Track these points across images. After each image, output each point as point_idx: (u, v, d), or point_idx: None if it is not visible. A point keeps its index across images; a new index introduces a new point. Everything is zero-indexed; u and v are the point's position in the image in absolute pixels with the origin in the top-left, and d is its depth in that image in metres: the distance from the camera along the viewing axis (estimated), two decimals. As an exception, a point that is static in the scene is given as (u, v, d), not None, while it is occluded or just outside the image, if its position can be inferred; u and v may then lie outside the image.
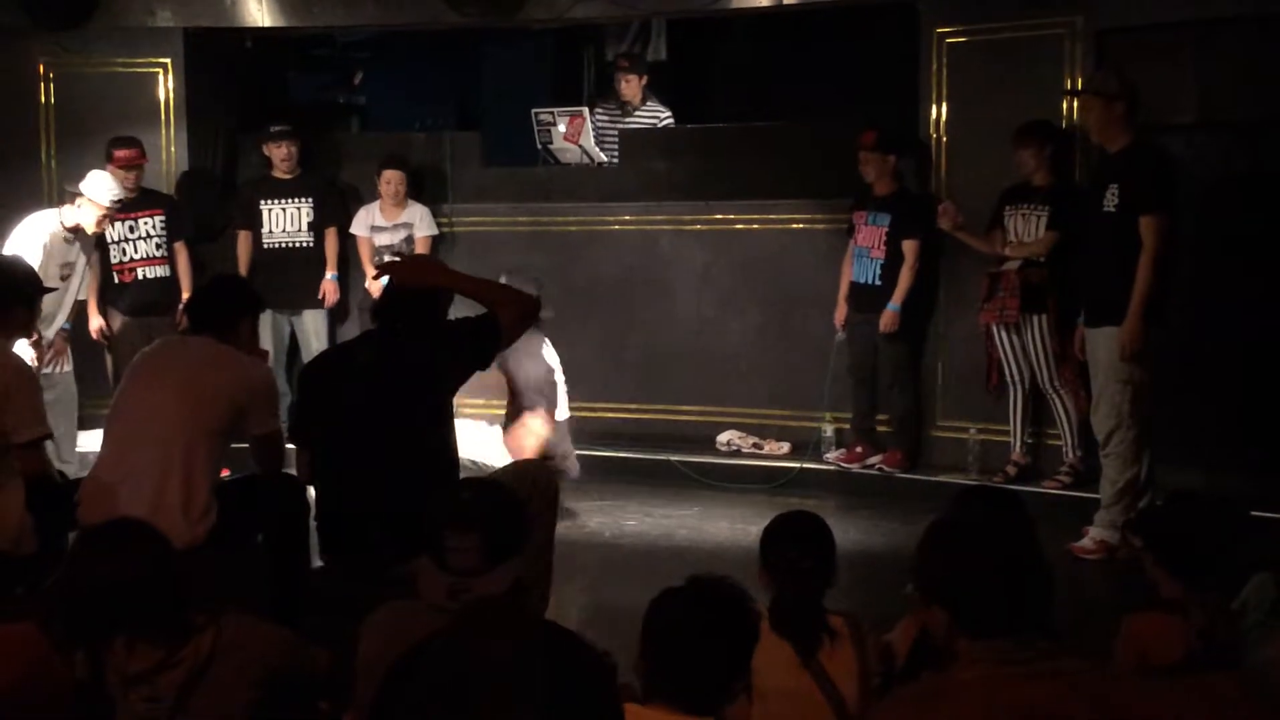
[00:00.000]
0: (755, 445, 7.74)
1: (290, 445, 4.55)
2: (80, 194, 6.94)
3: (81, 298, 7.29)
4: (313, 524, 4.43)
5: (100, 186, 6.96)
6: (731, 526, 6.55)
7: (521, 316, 4.32)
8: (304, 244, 8.09)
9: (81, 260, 7.10)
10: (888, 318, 7.13)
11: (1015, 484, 6.58)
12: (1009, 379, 6.86)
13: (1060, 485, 6.69)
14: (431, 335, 4.25)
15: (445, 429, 4.31)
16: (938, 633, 2.36)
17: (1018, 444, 6.94)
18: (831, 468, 7.41)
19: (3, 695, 2.71)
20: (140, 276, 7.61)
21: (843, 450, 7.47)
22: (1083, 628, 3.47)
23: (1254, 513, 4.64)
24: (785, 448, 7.68)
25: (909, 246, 7.10)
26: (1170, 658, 3.04)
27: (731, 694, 2.43)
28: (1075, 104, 6.67)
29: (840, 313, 7.39)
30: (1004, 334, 6.80)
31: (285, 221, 8.07)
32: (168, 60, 8.17)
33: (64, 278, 6.95)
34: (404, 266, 4.99)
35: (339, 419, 4.22)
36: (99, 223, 6.98)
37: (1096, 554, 5.87)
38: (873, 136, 7.14)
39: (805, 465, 7.38)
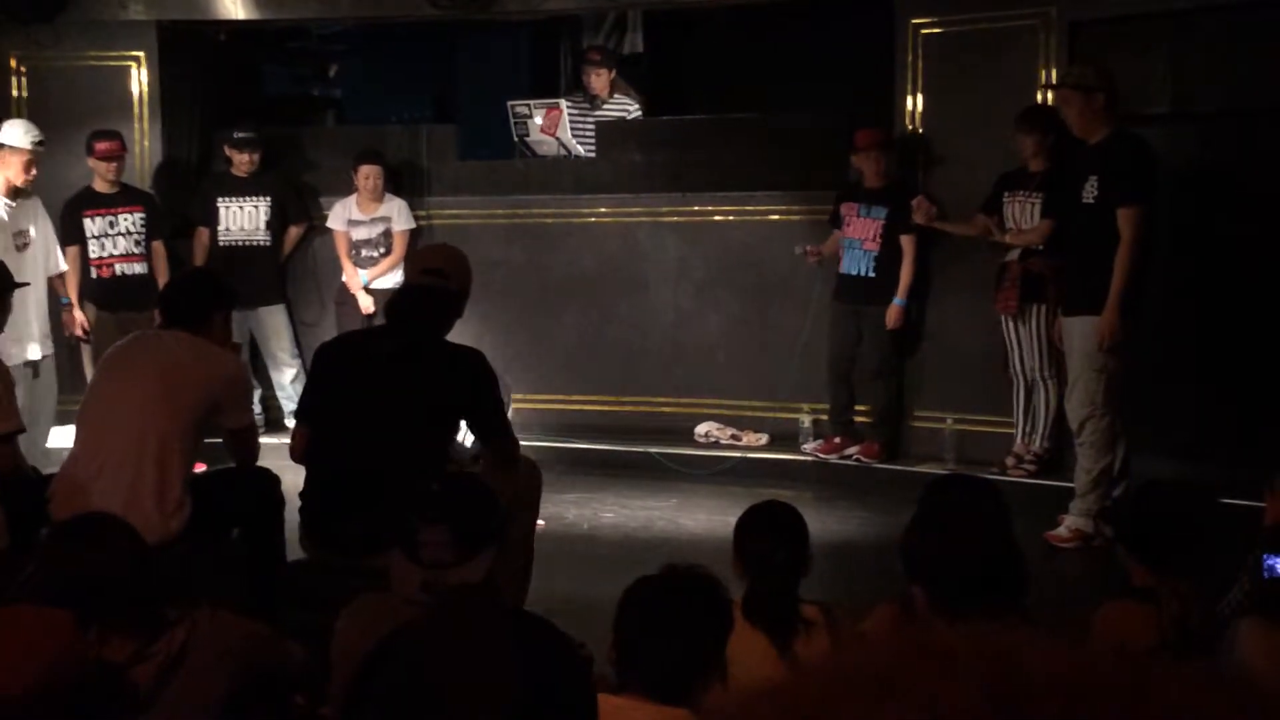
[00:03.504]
0: (734, 437, 7.74)
1: (290, 422, 4.54)
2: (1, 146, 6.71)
3: (53, 271, 7.09)
4: (290, 512, 4.42)
5: (16, 131, 6.75)
6: (709, 518, 6.54)
7: (505, 465, 4.33)
8: (261, 242, 8.04)
9: (39, 226, 6.89)
10: (894, 313, 7.09)
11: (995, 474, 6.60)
12: (1013, 370, 6.83)
13: (1025, 474, 6.69)
14: (457, 355, 4.24)
15: (444, 439, 4.32)
16: (917, 611, 2.38)
17: (1020, 435, 6.89)
18: (809, 459, 7.42)
19: (38, 685, 2.33)
20: (118, 272, 7.55)
21: (820, 441, 7.48)
22: (1059, 616, 3.47)
23: (1230, 500, 4.67)
24: (764, 439, 7.69)
25: (907, 240, 7.07)
26: (1143, 647, 3.05)
27: (706, 684, 2.43)
28: (1050, 97, 6.67)
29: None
30: (1010, 325, 6.78)
31: (243, 219, 8.03)
32: (141, 54, 8.12)
33: (20, 247, 6.74)
34: None
35: (345, 404, 4.22)
36: (25, 169, 6.75)
37: (1071, 543, 5.90)
38: (878, 135, 7.11)
39: (778, 456, 7.37)
